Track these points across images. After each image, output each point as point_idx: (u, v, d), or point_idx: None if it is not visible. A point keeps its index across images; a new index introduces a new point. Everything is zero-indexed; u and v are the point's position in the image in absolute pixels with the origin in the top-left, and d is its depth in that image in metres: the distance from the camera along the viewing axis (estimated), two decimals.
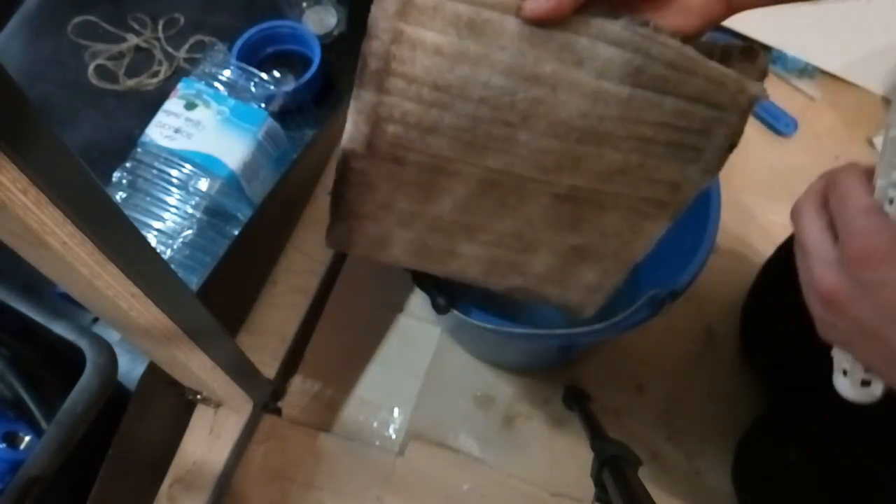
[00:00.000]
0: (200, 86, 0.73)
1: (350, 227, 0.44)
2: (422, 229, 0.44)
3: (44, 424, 0.53)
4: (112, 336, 0.55)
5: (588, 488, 0.50)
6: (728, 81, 0.35)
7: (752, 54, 0.37)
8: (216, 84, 0.74)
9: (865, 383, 0.32)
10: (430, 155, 0.38)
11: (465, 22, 0.33)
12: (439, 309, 0.50)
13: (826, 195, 0.32)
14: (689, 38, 0.35)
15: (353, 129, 0.37)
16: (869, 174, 0.30)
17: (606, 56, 0.34)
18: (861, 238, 0.27)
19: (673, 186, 0.40)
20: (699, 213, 0.53)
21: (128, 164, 0.69)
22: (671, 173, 0.39)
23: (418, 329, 0.76)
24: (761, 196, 0.82)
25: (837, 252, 0.29)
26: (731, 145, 0.38)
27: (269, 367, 0.69)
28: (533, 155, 0.38)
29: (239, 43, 0.82)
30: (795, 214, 0.33)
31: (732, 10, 0.34)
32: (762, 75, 0.37)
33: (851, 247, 0.28)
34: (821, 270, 0.29)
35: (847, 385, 0.33)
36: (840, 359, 0.33)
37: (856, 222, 0.28)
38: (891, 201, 0.28)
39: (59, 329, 0.51)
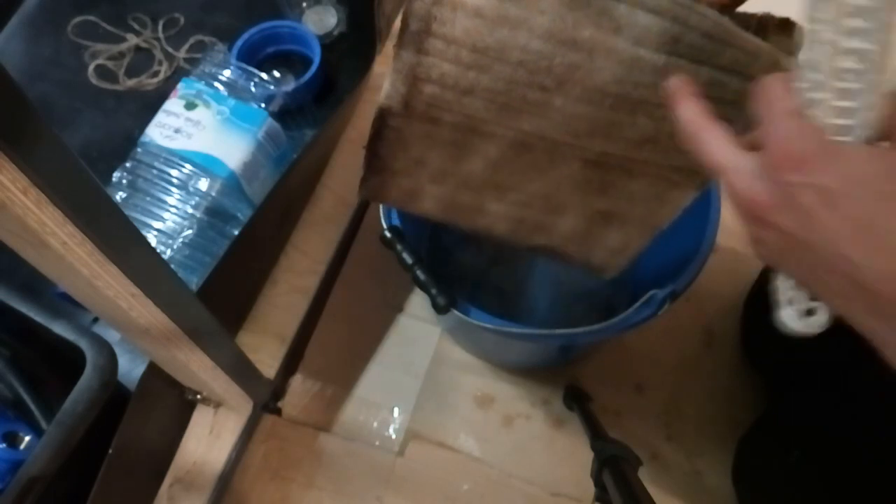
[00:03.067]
0: (200, 86, 0.72)
1: (383, 181, 0.45)
2: (453, 186, 0.45)
3: (44, 424, 0.53)
4: (112, 336, 0.55)
5: (588, 488, 0.50)
6: (762, 54, 0.35)
7: (789, 27, 0.37)
8: (216, 84, 0.74)
9: (810, 313, 0.31)
10: (465, 116, 0.39)
11: None
12: (439, 309, 0.50)
13: (705, 117, 0.31)
14: (726, 9, 0.35)
15: (390, 88, 0.37)
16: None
17: (644, 24, 0.34)
18: (785, 141, 0.26)
19: None
20: (699, 213, 0.53)
21: (128, 164, 0.69)
22: None
23: (418, 329, 0.76)
24: None
25: (757, 160, 0.28)
26: None
27: (269, 367, 0.69)
28: (566, 120, 0.38)
29: (239, 43, 0.82)
30: (694, 140, 0.31)
31: None
32: (798, 49, 0.37)
33: (775, 150, 0.26)
34: (742, 182, 0.28)
35: (793, 316, 0.32)
36: (784, 287, 0.32)
37: (780, 125, 0.26)
38: (810, 104, 0.26)
39: (59, 329, 0.51)
